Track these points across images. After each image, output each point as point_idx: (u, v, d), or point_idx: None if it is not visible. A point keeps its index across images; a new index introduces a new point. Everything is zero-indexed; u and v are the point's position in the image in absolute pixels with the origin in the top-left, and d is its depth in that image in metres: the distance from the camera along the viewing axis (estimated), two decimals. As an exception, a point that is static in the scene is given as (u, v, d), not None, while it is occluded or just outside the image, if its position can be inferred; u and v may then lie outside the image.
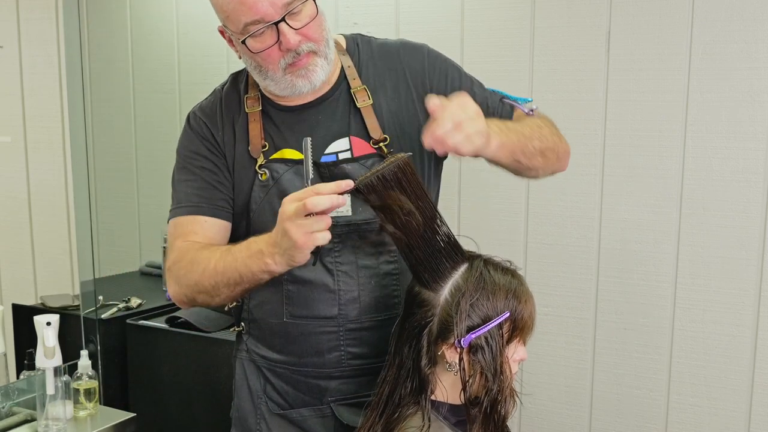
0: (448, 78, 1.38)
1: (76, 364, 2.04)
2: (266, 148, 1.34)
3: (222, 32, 1.34)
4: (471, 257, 1.19)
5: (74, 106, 2.26)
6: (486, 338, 1.13)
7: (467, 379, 1.14)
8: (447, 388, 1.18)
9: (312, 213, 1.09)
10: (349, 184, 1.10)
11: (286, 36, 1.23)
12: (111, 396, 2.29)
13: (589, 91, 2.09)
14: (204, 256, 1.27)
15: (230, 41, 1.33)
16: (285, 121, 1.36)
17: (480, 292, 1.14)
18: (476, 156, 1.19)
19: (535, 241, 2.21)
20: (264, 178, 1.33)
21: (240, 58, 1.34)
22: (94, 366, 2.15)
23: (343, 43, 1.40)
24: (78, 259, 2.30)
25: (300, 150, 1.29)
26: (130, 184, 2.92)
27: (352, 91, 1.35)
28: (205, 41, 2.71)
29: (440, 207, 1.25)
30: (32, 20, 2.40)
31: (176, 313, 2.23)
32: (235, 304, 1.43)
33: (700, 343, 2.03)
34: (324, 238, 1.11)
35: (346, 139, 1.34)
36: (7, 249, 2.45)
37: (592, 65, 2.08)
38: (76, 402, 2.02)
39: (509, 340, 1.16)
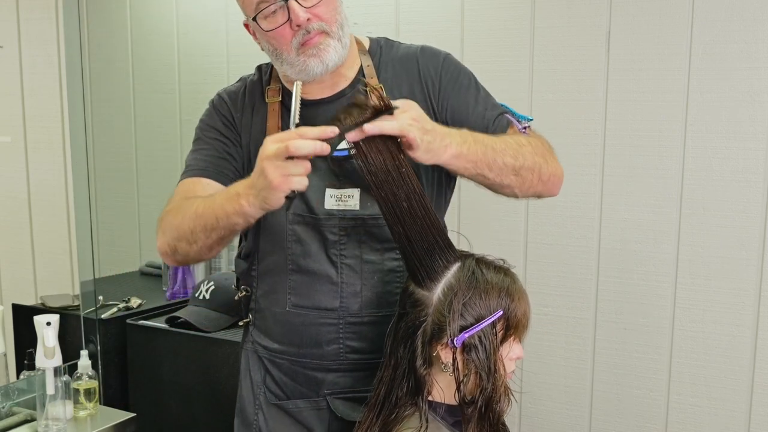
0: (458, 83, 1.38)
1: (76, 364, 2.04)
2: None
3: (247, 26, 1.37)
4: (463, 256, 1.19)
5: (74, 106, 2.26)
6: (479, 337, 1.13)
7: (461, 378, 1.14)
8: (443, 389, 1.18)
9: (293, 157, 1.09)
10: (334, 130, 1.10)
11: (295, 11, 1.24)
12: (111, 396, 2.29)
13: (589, 91, 2.09)
14: (190, 202, 1.29)
15: (254, 35, 1.36)
16: (302, 114, 1.37)
17: (472, 291, 1.14)
18: (434, 164, 1.18)
19: (535, 241, 2.21)
20: None
21: (261, 48, 1.36)
22: (94, 366, 2.15)
23: (367, 44, 1.42)
24: (78, 259, 2.30)
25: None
26: (130, 184, 2.92)
27: (368, 89, 1.35)
28: (205, 41, 2.71)
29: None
30: (32, 20, 2.39)
31: (176, 313, 2.23)
32: (244, 293, 1.44)
33: (700, 343, 2.03)
34: (300, 182, 1.10)
35: None
36: (7, 249, 2.45)
37: (592, 65, 2.08)
38: (76, 402, 2.02)
39: (503, 339, 1.16)
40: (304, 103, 1.36)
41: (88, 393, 2.03)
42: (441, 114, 1.36)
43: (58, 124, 2.38)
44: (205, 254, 1.32)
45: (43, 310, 2.30)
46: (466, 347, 1.13)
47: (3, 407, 2.00)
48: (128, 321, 2.30)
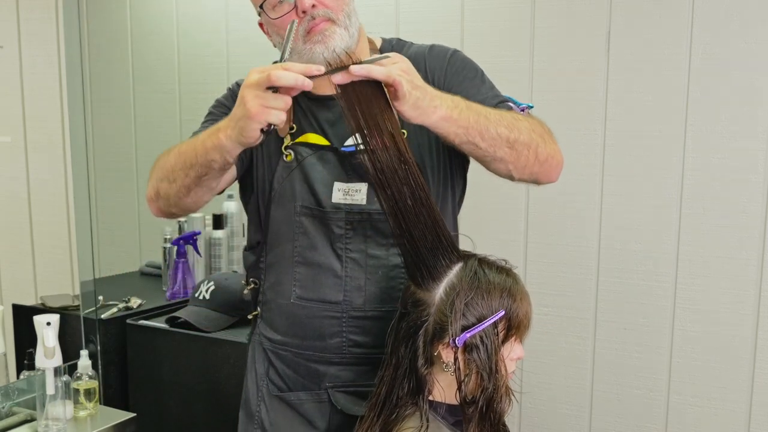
0: (461, 75, 1.39)
1: (76, 364, 2.04)
2: (294, 130, 1.38)
3: (261, 26, 1.39)
4: (466, 256, 1.20)
5: (74, 106, 2.26)
6: (481, 337, 1.13)
7: (463, 378, 1.14)
8: (444, 388, 1.18)
9: (276, 90, 1.09)
10: (319, 68, 1.10)
11: None
12: (111, 396, 2.29)
13: (589, 91, 2.09)
14: (177, 144, 1.30)
15: (268, 33, 1.37)
16: (311, 108, 1.39)
17: (474, 291, 1.14)
18: (421, 124, 1.15)
19: (535, 241, 2.21)
20: (289, 159, 1.36)
21: (274, 44, 1.37)
22: (94, 366, 2.15)
23: (378, 44, 1.44)
24: (78, 259, 2.30)
25: (320, 134, 1.35)
26: (130, 184, 2.92)
27: None
28: (205, 41, 2.71)
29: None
30: (32, 20, 2.39)
31: (176, 313, 2.23)
32: (252, 286, 1.45)
33: (700, 343, 2.03)
34: (278, 117, 1.10)
35: None
36: (7, 249, 2.45)
37: (592, 65, 2.08)
38: (76, 402, 2.02)
39: (505, 339, 1.16)
40: (313, 98, 1.38)
41: (88, 393, 2.03)
42: None
43: (58, 124, 2.38)
44: (183, 197, 1.31)
45: (43, 310, 2.30)
46: (468, 347, 1.13)
47: (3, 407, 2.00)
48: (128, 321, 2.30)
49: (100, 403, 2.11)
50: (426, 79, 1.37)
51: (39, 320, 1.90)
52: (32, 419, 1.99)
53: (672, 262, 2.04)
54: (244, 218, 2.57)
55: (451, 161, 1.39)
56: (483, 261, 1.19)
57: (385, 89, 1.11)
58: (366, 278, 1.34)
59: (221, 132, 1.18)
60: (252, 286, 1.46)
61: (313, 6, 1.27)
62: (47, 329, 1.88)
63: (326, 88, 1.36)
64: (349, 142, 1.35)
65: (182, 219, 2.53)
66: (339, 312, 1.35)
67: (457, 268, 1.17)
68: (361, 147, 1.13)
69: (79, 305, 2.26)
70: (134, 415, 2.07)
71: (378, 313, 1.34)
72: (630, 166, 2.07)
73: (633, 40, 2.03)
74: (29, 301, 2.38)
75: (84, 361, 2.04)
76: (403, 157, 1.13)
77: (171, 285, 2.48)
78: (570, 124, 2.12)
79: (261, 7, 1.31)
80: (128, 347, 2.31)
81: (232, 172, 1.41)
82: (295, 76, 1.08)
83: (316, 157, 1.35)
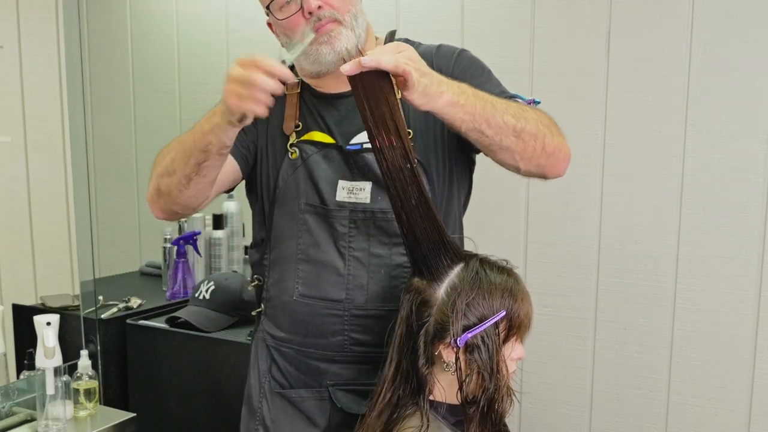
0: (468, 73, 1.38)
1: (76, 364, 2.04)
2: (299, 128, 1.39)
3: (270, 26, 1.39)
4: (467, 256, 1.20)
5: (74, 106, 2.26)
6: (482, 337, 1.13)
7: (464, 378, 1.14)
8: (445, 388, 1.18)
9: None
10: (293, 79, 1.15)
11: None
12: (111, 396, 2.29)
13: (589, 91, 2.09)
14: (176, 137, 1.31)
15: (276, 33, 1.38)
16: (317, 106, 1.40)
17: (476, 291, 1.14)
18: (429, 110, 1.15)
19: (535, 241, 2.21)
20: (294, 156, 1.37)
21: (282, 44, 1.38)
22: (94, 366, 2.15)
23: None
24: (78, 259, 2.30)
25: (326, 132, 1.36)
26: (130, 184, 2.92)
27: None
28: (205, 41, 2.71)
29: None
30: (32, 20, 2.39)
31: (176, 313, 2.23)
32: (256, 283, 1.46)
33: (700, 343, 2.03)
34: (253, 110, 1.13)
35: None
36: (7, 249, 2.45)
37: (592, 65, 2.09)
38: (76, 402, 2.02)
39: (506, 339, 1.16)
40: (320, 96, 1.39)
41: (88, 393, 2.03)
42: None
43: (58, 124, 2.38)
44: (184, 188, 1.30)
45: (43, 310, 2.30)
46: (469, 347, 1.13)
47: (3, 407, 2.00)
48: (128, 321, 2.30)
49: (100, 403, 2.11)
50: None
51: (39, 320, 1.90)
52: (32, 419, 2.00)
53: (672, 262, 2.04)
54: (245, 218, 2.58)
55: (456, 162, 1.39)
56: (484, 261, 1.19)
57: (393, 79, 1.11)
58: (368, 277, 1.34)
59: (217, 115, 1.20)
60: (256, 282, 1.46)
61: (319, 7, 1.28)
62: (47, 329, 1.88)
63: (332, 87, 1.37)
64: (355, 140, 1.35)
65: (182, 219, 2.53)
66: (341, 310, 1.35)
67: (458, 268, 1.18)
68: (369, 145, 1.15)
69: (79, 305, 2.26)
70: (134, 415, 2.07)
71: (380, 312, 1.34)
72: (630, 166, 2.07)
73: (633, 40, 2.03)
74: (29, 301, 2.38)
75: (84, 361, 2.04)
76: (408, 157, 1.13)
77: (171, 285, 2.48)
78: (570, 124, 2.10)
79: (268, 8, 1.32)
80: (128, 347, 2.31)
81: (237, 170, 1.42)
82: (273, 82, 1.11)
83: (321, 155, 1.36)
